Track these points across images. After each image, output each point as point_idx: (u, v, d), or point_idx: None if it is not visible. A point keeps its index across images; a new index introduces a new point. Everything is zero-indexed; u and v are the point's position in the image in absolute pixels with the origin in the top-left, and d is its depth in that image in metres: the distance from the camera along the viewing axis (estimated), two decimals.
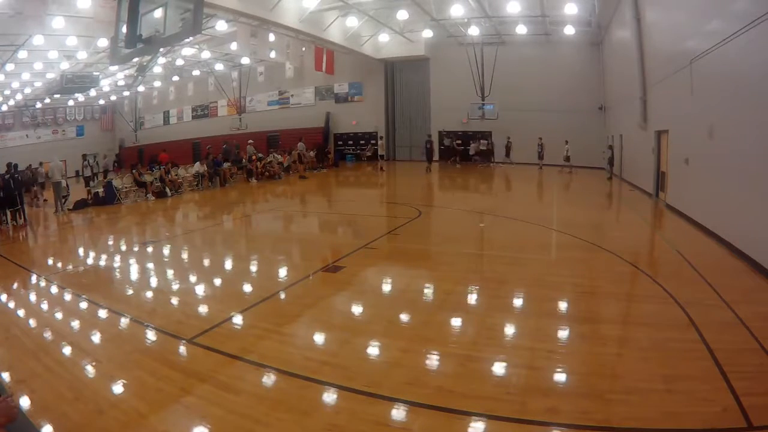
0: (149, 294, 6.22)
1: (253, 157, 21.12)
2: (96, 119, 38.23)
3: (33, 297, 6.33)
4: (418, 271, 7.04)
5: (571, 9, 18.30)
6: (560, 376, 3.65)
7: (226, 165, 19.79)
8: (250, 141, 23.80)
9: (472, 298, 5.61)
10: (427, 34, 22.69)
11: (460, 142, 24.99)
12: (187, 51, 24.14)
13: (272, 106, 30.76)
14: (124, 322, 5.04)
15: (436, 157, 24.21)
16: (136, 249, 9.18)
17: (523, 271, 6.59)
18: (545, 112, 22.34)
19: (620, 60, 16.63)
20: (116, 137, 39.34)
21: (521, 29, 20.77)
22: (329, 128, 28.63)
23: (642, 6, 12.91)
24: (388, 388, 3.46)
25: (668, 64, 10.42)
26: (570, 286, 5.88)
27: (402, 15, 19.51)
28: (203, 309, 5.47)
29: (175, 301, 5.92)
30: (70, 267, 8.01)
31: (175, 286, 6.61)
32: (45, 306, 5.84)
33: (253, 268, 7.73)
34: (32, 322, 5.25)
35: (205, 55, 25.40)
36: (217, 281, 6.71)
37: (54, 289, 6.48)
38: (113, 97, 36.39)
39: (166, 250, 8.90)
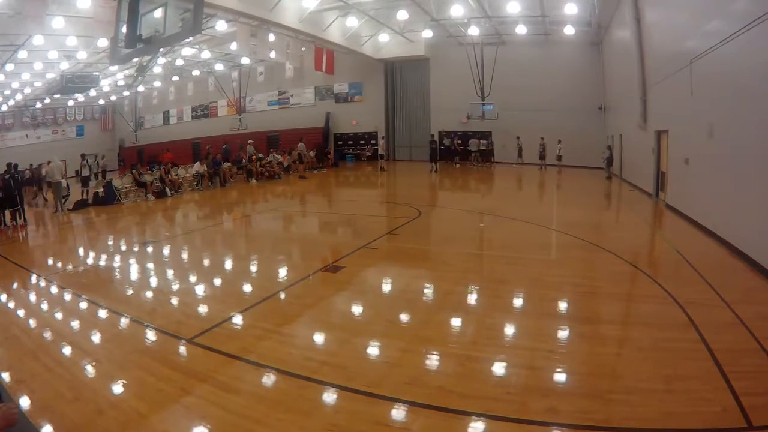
0: (149, 294, 6.22)
1: (253, 157, 21.12)
2: (96, 119, 38.22)
3: (33, 297, 6.33)
4: (418, 271, 7.04)
5: (571, 9, 18.29)
6: (560, 376, 3.65)
7: (226, 165, 19.79)
8: (250, 141, 23.80)
9: (472, 298, 5.61)
10: (427, 34, 22.67)
11: (460, 142, 25.00)
12: (187, 51, 24.13)
13: (272, 106, 30.75)
14: (124, 322, 5.04)
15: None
16: (136, 249, 9.18)
17: (523, 271, 6.58)
18: (545, 112, 22.33)
19: (620, 60, 16.63)
20: (116, 137, 39.32)
21: (521, 29, 20.76)
22: (329, 128, 28.63)
23: (642, 6, 12.90)
24: (388, 388, 3.46)
25: (668, 64, 10.42)
26: (570, 286, 5.88)
27: (402, 15, 19.50)
28: (203, 309, 5.47)
29: (175, 301, 5.92)
30: (70, 267, 8.01)
31: (175, 286, 6.61)
32: (45, 306, 5.84)
33: (253, 268, 7.73)
34: (32, 322, 5.25)
35: (205, 55, 25.38)
36: (217, 281, 6.71)
37: (54, 289, 6.48)
38: (113, 97, 36.38)
39: (166, 250, 8.90)
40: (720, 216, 7.67)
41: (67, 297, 6.09)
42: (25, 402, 3.43)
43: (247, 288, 6.34)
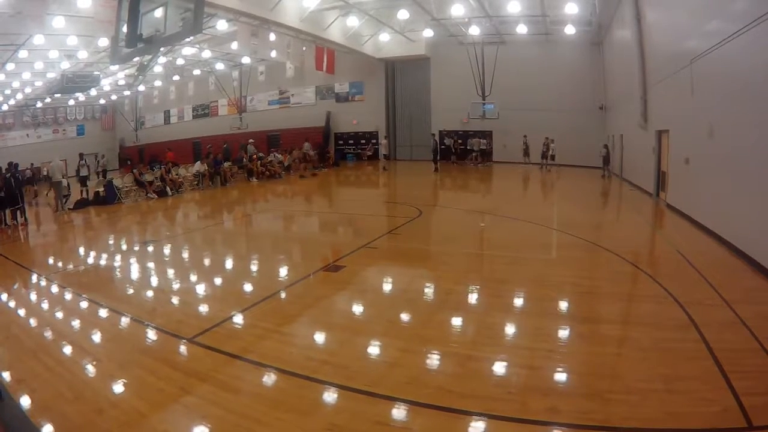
0: (149, 293, 6.23)
1: (254, 157, 21.12)
2: (96, 119, 38.24)
3: (33, 296, 6.33)
4: (418, 270, 7.04)
5: (571, 9, 18.27)
6: (560, 376, 3.65)
7: (226, 164, 19.80)
8: (251, 140, 23.80)
9: (472, 298, 5.61)
10: (428, 33, 22.65)
11: (460, 141, 24.99)
12: (188, 50, 24.13)
13: (273, 106, 30.75)
14: (125, 321, 5.04)
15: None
16: (136, 248, 9.18)
17: (523, 271, 6.58)
18: (546, 112, 22.31)
19: (621, 60, 16.61)
20: (117, 137, 39.35)
21: (522, 29, 20.74)
22: (330, 128, 28.63)
23: (642, 6, 12.88)
24: (388, 388, 3.46)
25: (669, 64, 10.41)
26: (570, 285, 5.88)
27: (402, 14, 19.51)
28: (203, 308, 5.47)
29: (175, 300, 5.92)
30: (71, 266, 8.02)
31: (176, 286, 6.61)
32: (45, 305, 5.84)
33: (254, 267, 7.74)
34: (32, 322, 5.26)
35: (206, 54, 25.38)
36: (218, 280, 6.72)
37: (54, 289, 6.48)
38: (114, 97, 36.40)
39: (166, 250, 8.90)
40: (720, 216, 7.66)
41: (68, 296, 6.09)
42: (25, 401, 3.44)
43: (248, 287, 6.34)
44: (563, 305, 5.25)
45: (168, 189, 16.52)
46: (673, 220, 9.78)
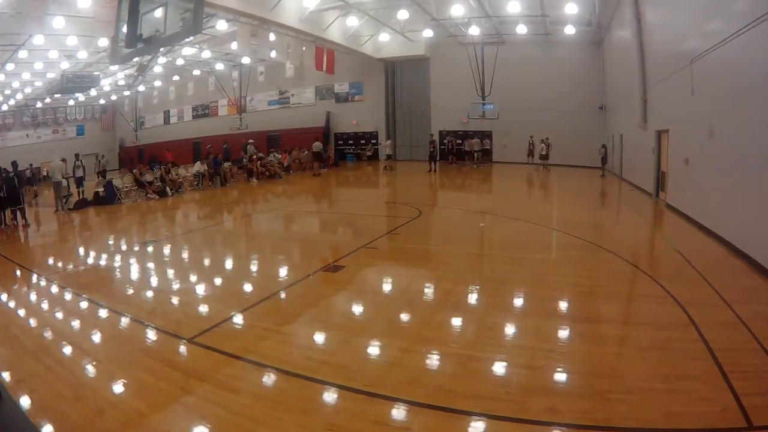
0: (149, 293, 6.22)
1: (254, 157, 21.12)
2: (96, 119, 38.24)
3: (33, 296, 6.33)
4: (418, 270, 7.04)
5: (571, 9, 18.28)
6: (560, 376, 3.65)
7: (226, 164, 19.80)
8: (251, 140, 23.79)
9: (472, 298, 5.61)
10: (428, 33, 22.64)
11: (460, 141, 24.99)
12: (188, 51, 24.11)
13: (272, 106, 30.75)
14: (125, 321, 5.04)
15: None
16: (136, 248, 9.18)
17: (523, 271, 6.58)
18: (546, 112, 22.31)
19: (620, 60, 16.61)
20: (116, 137, 39.34)
21: (521, 29, 20.75)
22: (329, 128, 28.64)
23: (642, 6, 12.89)
24: (388, 388, 3.47)
25: (668, 64, 10.41)
26: (570, 285, 5.88)
27: (402, 15, 19.50)
28: (203, 308, 5.47)
29: (175, 300, 5.92)
30: (71, 266, 8.02)
31: (176, 286, 6.61)
32: (45, 305, 5.84)
33: (254, 267, 7.73)
34: (32, 322, 5.25)
35: (206, 54, 25.37)
36: (218, 281, 6.72)
37: (54, 289, 6.48)
38: (113, 97, 36.39)
39: (166, 250, 8.90)
40: (720, 216, 7.67)
41: (68, 296, 6.09)
42: (25, 402, 3.43)
43: (248, 287, 6.34)
44: (563, 305, 5.25)
45: (168, 189, 16.52)
46: (673, 220, 9.78)
